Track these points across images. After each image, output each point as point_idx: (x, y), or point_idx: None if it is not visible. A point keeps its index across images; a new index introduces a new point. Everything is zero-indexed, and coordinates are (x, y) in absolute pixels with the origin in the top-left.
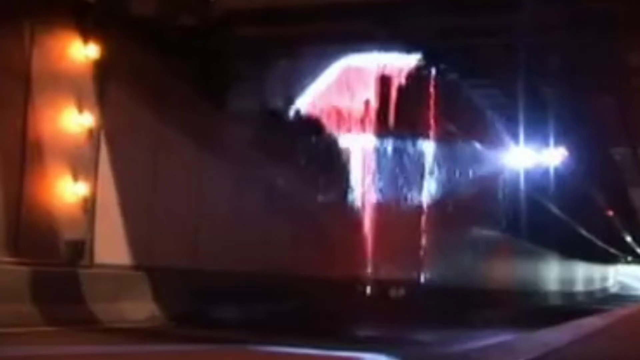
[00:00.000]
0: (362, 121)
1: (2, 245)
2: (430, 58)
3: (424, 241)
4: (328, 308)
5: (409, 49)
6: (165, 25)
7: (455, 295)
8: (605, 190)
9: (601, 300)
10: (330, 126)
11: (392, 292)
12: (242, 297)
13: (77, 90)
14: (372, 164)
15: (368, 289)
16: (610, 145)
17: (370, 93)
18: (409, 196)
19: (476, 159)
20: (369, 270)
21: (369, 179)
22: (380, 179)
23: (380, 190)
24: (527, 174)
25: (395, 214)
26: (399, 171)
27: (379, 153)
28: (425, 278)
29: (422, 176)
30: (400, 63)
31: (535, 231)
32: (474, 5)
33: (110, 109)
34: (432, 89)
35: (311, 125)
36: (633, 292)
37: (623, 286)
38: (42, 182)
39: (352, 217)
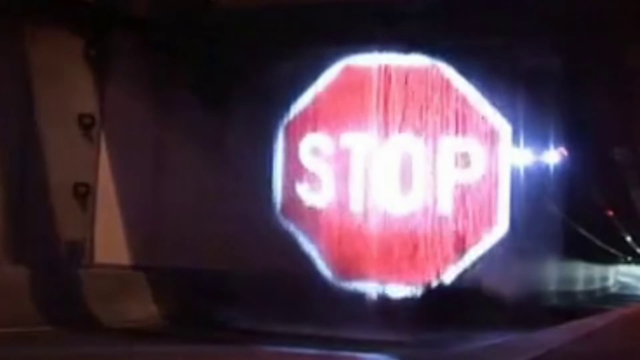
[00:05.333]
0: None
1: (2, 246)
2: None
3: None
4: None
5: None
6: (164, 26)
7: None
8: (606, 190)
9: (601, 300)
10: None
11: None
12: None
13: (77, 90)
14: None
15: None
16: (610, 146)
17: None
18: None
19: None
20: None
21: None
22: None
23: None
24: (526, 173)
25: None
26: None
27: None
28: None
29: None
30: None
31: (534, 230)
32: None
33: (110, 109)
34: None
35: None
36: (633, 292)
37: (623, 286)
38: (41, 182)
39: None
